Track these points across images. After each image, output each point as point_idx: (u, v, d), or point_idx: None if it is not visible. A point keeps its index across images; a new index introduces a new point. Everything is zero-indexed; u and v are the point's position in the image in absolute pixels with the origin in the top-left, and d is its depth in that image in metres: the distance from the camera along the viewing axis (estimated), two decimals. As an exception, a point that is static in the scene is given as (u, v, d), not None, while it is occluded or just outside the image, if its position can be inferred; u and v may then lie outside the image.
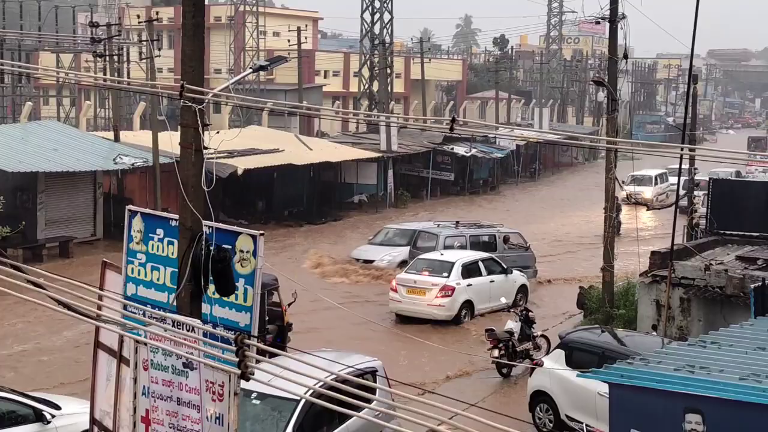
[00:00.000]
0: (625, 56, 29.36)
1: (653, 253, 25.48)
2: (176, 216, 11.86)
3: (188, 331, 10.93)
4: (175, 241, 11.87)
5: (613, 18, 28.39)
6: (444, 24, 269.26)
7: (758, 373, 12.14)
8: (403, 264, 35.65)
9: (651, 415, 12.21)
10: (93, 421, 14.22)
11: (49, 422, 16.76)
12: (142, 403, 12.05)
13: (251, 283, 11.42)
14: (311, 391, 10.71)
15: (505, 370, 24.14)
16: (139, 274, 12.68)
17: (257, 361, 9.23)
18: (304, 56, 71.46)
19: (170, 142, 12.47)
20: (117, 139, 44.10)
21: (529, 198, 64.52)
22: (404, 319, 29.45)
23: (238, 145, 41.50)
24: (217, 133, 13.20)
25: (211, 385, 11.00)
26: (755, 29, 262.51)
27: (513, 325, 24.29)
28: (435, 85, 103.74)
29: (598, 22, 30.64)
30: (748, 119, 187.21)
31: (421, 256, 31.87)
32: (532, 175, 75.45)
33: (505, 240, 35.58)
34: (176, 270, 11.66)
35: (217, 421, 11.00)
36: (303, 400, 14.68)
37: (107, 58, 46.96)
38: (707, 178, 32.15)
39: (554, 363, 20.41)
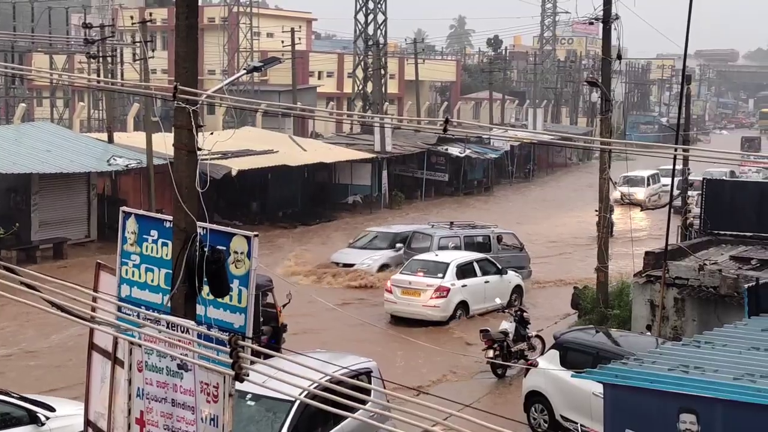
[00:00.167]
0: (619, 57, 29.40)
1: (647, 253, 25.51)
2: (170, 217, 11.84)
3: (183, 332, 10.93)
4: (170, 243, 11.85)
5: (607, 19, 28.42)
6: (438, 25, 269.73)
7: (752, 372, 12.17)
8: (383, 268, 35.66)
9: (645, 415, 12.24)
10: (87, 422, 14.19)
11: (43, 424, 16.70)
12: (137, 405, 12.03)
13: (245, 285, 11.41)
14: (306, 392, 10.70)
15: (499, 371, 24.14)
16: (133, 276, 12.65)
17: (251, 363, 9.22)
18: (297, 57, 71.42)
19: (164, 143, 12.48)
20: (111, 140, 44.04)
21: (523, 198, 64.55)
22: (399, 320, 29.46)
23: (232, 146, 41.46)
24: (211, 134, 13.17)
25: (206, 386, 10.99)
26: (755, 29, 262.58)
27: (508, 325, 24.31)
28: (429, 86, 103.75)
29: (591, 23, 30.61)
30: (742, 119, 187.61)
31: (415, 257, 31.87)
32: (526, 176, 75.45)
33: (499, 240, 35.61)
34: (170, 271, 11.64)
35: (212, 422, 10.99)
36: (297, 402, 14.67)
37: (101, 59, 46.91)
38: (701, 178, 32.18)
39: (549, 363, 20.42)
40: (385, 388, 15.25)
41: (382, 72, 69.18)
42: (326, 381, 9.85)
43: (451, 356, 24.76)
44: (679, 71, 53.00)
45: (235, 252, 11.44)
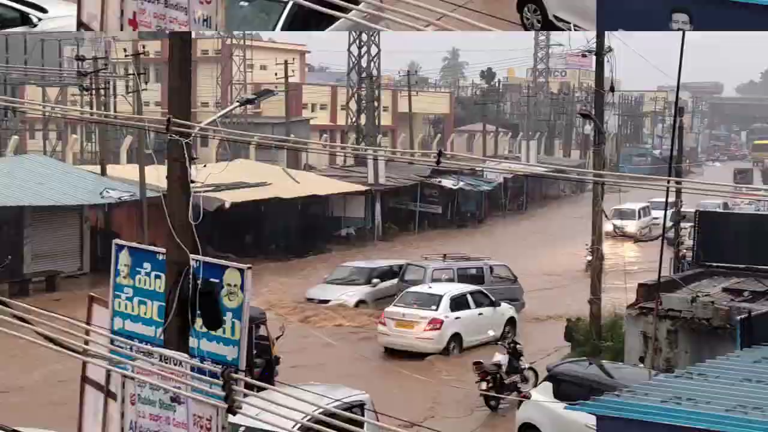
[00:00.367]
0: (612, 89, 29.47)
1: (640, 285, 25.49)
2: (163, 250, 11.85)
3: (176, 365, 10.92)
4: (163, 275, 11.85)
5: (600, 51, 28.53)
6: (431, 57, 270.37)
7: (744, 404, 12.17)
8: (360, 304, 35.57)
9: (638, 447, 12.21)
10: (80, 456, 14.15)
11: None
12: (129, 438, 12.00)
13: (239, 317, 11.39)
14: (299, 425, 10.69)
15: (493, 403, 24.09)
16: (126, 309, 12.63)
17: (245, 395, 9.22)
18: (291, 89, 71.56)
19: (157, 175, 12.51)
20: (104, 172, 44.08)
21: (516, 231, 64.50)
22: (393, 353, 29.40)
23: (225, 178, 41.48)
24: (205, 166, 13.24)
25: (199, 419, 10.96)
26: (740, 62, 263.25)
27: (501, 357, 24.28)
28: (422, 118, 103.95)
29: (584, 55, 30.77)
30: (734, 151, 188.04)
31: (409, 289, 31.85)
32: (519, 208, 75.53)
33: (492, 272, 35.61)
34: (164, 304, 11.64)
35: (205, 455, 10.96)
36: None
37: (94, 91, 46.97)
38: (694, 210, 32.21)
39: (542, 395, 20.40)
40: (378, 420, 15.22)
41: (376, 104, 69.35)
42: (319, 413, 9.84)
43: (444, 389, 24.72)
44: (672, 104, 53.20)
45: (228, 284, 11.43)
